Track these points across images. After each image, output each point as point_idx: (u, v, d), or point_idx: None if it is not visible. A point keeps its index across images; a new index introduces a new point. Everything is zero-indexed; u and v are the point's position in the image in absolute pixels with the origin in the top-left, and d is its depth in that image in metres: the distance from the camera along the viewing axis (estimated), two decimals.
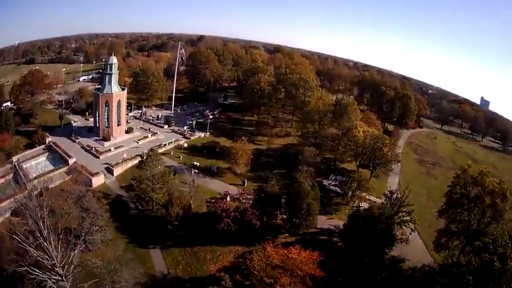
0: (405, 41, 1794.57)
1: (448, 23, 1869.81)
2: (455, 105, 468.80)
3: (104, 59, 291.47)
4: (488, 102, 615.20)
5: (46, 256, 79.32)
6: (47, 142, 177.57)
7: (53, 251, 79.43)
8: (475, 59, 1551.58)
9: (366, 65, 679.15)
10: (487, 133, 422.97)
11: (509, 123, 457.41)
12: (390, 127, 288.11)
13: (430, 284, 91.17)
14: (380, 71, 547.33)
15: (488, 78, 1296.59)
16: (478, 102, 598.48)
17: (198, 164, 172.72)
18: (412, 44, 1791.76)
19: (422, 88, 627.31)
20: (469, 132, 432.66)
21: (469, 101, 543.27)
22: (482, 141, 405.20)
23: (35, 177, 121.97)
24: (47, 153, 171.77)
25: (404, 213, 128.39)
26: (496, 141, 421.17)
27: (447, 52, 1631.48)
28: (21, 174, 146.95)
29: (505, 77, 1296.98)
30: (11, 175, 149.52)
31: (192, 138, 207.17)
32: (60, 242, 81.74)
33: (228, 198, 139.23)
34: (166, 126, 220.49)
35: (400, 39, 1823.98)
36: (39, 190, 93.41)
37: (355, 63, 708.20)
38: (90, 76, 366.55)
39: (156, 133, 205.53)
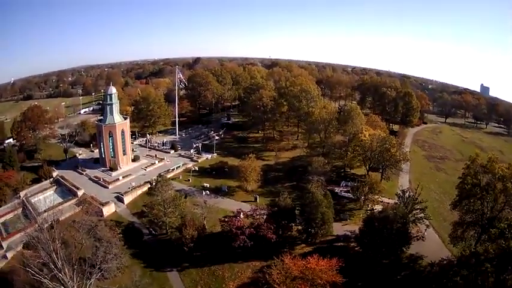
0: (401, 37, 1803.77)
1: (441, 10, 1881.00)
2: (456, 97, 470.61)
3: (102, 90, 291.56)
4: (488, 88, 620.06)
5: (62, 287, 78.79)
6: (54, 176, 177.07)
7: (68, 281, 79.01)
8: (471, 44, 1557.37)
9: (364, 69, 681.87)
10: (490, 119, 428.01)
11: (511, 106, 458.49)
12: (395, 127, 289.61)
13: (449, 278, 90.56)
14: (379, 73, 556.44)
15: (486, 63, 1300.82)
16: (478, 89, 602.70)
17: (208, 185, 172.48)
18: (408, 39, 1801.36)
19: (422, 84, 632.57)
20: (473, 121, 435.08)
21: (470, 90, 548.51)
22: (486, 128, 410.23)
23: (45, 211, 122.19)
24: (55, 187, 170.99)
25: (418, 211, 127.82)
26: (500, 125, 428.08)
27: (443, 39, 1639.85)
28: (30, 208, 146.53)
29: (503, 61, 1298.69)
30: (20, 210, 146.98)
31: (199, 160, 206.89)
32: (75, 272, 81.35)
33: (242, 216, 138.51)
34: (172, 151, 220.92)
35: (395, 36, 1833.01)
36: (49, 223, 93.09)
37: (354, 68, 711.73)
38: (91, 108, 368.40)
39: (163, 159, 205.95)
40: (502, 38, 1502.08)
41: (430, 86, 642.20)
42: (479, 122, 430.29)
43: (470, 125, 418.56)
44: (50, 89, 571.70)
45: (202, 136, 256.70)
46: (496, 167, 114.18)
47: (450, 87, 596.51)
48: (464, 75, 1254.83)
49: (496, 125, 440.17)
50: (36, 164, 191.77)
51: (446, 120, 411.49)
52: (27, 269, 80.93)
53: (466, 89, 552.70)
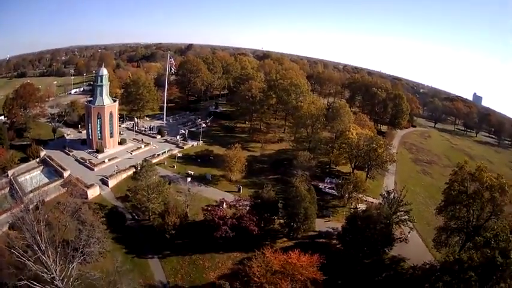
0: (395, 37, 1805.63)
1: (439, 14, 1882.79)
2: (447, 103, 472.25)
3: (94, 71, 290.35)
4: (481, 97, 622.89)
5: (45, 270, 79.31)
6: (41, 156, 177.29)
7: (51, 265, 79.39)
8: (468, 50, 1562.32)
9: (356, 67, 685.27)
10: (481, 128, 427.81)
11: (502, 117, 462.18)
12: (383, 128, 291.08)
13: (432, 283, 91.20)
14: (370, 73, 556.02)
15: (481, 72, 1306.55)
16: (470, 98, 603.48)
17: (192, 172, 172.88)
18: (403, 40, 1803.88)
19: (413, 87, 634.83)
20: (463, 128, 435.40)
21: (462, 97, 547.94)
22: (476, 136, 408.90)
23: (31, 191, 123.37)
24: (42, 167, 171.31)
25: (402, 213, 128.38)
26: (491, 135, 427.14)
27: (440, 42, 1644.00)
28: (16, 188, 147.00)
29: (498, 71, 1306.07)
30: (7, 189, 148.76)
31: (185, 147, 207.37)
32: (58, 255, 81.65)
33: (225, 206, 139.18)
34: (159, 137, 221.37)
35: (390, 36, 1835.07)
36: (35, 204, 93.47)
37: (345, 66, 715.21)
38: (82, 88, 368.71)
39: (149, 143, 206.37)
40: (500, 47, 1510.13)
41: (421, 90, 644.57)
42: (469, 130, 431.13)
43: (460, 132, 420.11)
44: (43, 68, 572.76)
45: (190, 123, 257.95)
46: (484, 176, 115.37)
47: (442, 93, 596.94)
48: (457, 83, 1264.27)
49: (487, 134, 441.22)
50: (25, 143, 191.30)
51: (436, 126, 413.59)
52: (12, 250, 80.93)
53: (458, 97, 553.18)
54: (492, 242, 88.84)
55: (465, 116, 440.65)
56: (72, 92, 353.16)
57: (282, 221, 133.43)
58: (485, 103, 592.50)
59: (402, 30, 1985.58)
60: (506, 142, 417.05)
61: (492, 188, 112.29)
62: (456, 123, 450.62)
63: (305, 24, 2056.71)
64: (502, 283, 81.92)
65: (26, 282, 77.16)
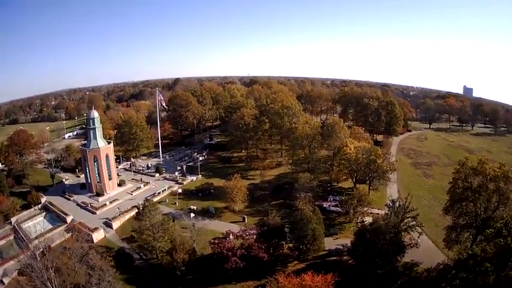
0: (376, 42, 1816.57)
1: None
2: (439, 101, 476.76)
3: (85, 114, 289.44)
4: (471, 89, 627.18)
5: None
6: (42, 202, 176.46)
7: None
8: (453, 42, 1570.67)
9: (343, 81, 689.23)
10: (476, 120, 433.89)
11: (496, 104, 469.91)
12: (379, 137, 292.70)
13: (448, 281, 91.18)
14: (358, 84, 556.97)
15: (468, 64, 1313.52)
16: (461, 91, 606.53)
17: (195, 207, 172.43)
18: (383, 42, 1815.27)
19: (403, 91, 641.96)
20: (458, 124, 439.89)
21: (453, 93, 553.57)
22: (472, 129, 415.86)
23: (36, 237, 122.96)
24: (44, 213, 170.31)
25: (409, 219, 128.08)
26: (487, 125, 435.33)
27: (422, 36, 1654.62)
28: (21, 234, 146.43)
29: (484, 60, 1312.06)
30: (12, 236, 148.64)
31: (184, 183, 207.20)
32: None
33: (231, 237, 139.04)
34: (157, 175, 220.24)
35: (371, 41, 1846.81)
36: (41, 250, 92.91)
37: (333, 81, 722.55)
38: (75, 132, 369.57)
39: (149, 182, 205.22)
40: (483, 37, 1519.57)
41: (411, 93, 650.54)
42: (464, 125, 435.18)
43: (456, 128, 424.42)
44: (35, 113, 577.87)
45: (186, 158, 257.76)
46: (487, 168, 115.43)
47: (432, 92, 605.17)
48: (446, 79, 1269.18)
49: (482, 125, 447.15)
50: (25, 190, 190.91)
51: (431, 126, 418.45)
52: None
53: (448, 93, 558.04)
54: (504, 231, 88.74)
55: (458, 111, 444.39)
56: (66, 136, 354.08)
57: (290, 245, 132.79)
58: (476, 94, 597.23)
59: (382, 30, 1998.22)
60: (503, 129, 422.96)
61: (496, 179, 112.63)
62: (450, 119, 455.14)
63: (287, 40, 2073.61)
64: None
65: None
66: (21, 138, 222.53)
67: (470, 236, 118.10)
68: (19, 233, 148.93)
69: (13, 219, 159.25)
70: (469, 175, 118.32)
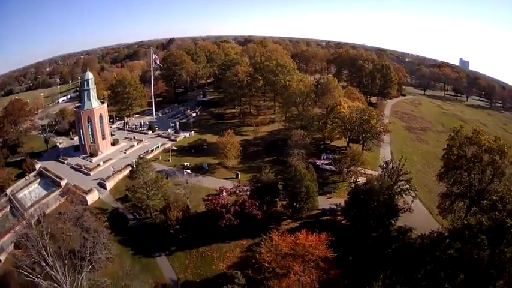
0: (376, 11, 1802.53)
1: None
2: (435, 70, 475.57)
3: (79, 77, 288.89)
4: (468, 62, 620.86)
5: (55, 285, 78.39)
6: (37, 168, 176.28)
7: (61, 278, 78.52)
8: (450, 18, 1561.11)
9: (338, 43, 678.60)
10: (471, 92, 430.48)
11: (492, 80, 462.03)
12: (373, 99, 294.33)
13: (442, 250, 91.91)
14: (354, 47, 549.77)
15: (465, 37, 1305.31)
16: (457, 63, 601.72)
17: (188, 164, 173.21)
18: (383, 13, 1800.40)
19: (399, 57, 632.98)
20: (453, 94, 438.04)
21: (448, 63, 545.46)
22: (467, 101, 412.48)
23: (31, 206, 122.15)
24: (39, 180, 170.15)
25: (403, 182, 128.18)
26: (482, 99, 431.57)
27: (420, 11, 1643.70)
28: (16, 205, 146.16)
29: (482, 34, 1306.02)
30: (7, 208, 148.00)
31: (178, 139, 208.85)
32: (66, 268, 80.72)
33: (225, 193, 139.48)
34: (150, 132, 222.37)
35: (371, 11, 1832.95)
36: (36, 218, 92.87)
37: (328, 43, 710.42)
38: (69, 96, 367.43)
39: (142, 140, 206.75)
40: (481, 10, 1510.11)
41: (407, 59, 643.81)
42: (459, 95, 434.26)
43: (451, 98, 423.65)
44: (29, 82, 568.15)
45: (179, 115, 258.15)
46: (482, 139, 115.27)
47: (428, 61, 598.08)
48: (442, 49, 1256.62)
49: (477, 98, 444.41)
50: (20, 159, 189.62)
51: (425, 93, 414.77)
52: (20, 270, 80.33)
53: (444, 63, 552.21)
54: (499, 205, 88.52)
55: (454, 81, 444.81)
56: (60, 100, 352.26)
57: (284, 202, 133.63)
58: (472, 67, 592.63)
59: (382, 3, 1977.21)
60: (498, 105, 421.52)
61: (491, 151, 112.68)
62: (445, 88, 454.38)
63: (284, 8, 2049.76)
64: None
65: None
66: (16, 108, 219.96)
67: (465, 206, 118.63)
68: (14, 204, 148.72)
69: (8, 190, 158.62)
70: (464, 144, 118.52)
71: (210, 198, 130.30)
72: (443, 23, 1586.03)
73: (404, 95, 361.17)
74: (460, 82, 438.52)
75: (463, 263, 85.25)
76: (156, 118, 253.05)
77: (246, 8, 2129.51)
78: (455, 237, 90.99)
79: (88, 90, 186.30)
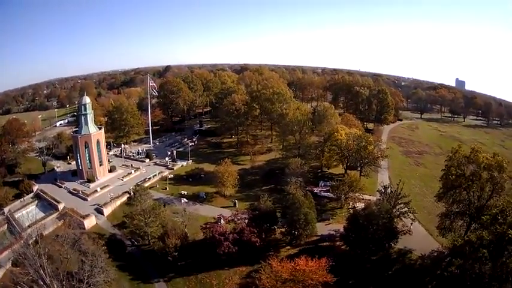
0: (366, 28, 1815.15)
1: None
2: (431, 92, 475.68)
3: (76, 102, 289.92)
4: (464, 82, 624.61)
5: None
6: (34, 190, 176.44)
7: None
8: (445, 30, 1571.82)
9: (334, 69, 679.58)
10: (468, 112, 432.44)
11: (488, 98, 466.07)
12: (370, 125, 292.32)
13: (443, 268, 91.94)
14: (350, 73, 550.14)
15: (460, 56, 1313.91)
16: (453, 84, 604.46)
17: (185, 192, 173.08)
18: (374, 29, 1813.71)
19: (395, 82, 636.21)
20: (450, 115, 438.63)
21: (445, 85, 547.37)
22: (464, 121, 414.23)
23: (28, 226, 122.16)
24: (36, 201, 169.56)
25: (402, 205, 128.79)
26: (479, 118, 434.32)
27: (415, 21, 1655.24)
28: (14, 224, 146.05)
29: (477, 54, 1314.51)
30: (5, 226, 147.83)
31: (175, 168, 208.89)
32: None
33: (223, 221, 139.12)
34: (148, 160, 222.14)
35: (362, 25, 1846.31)
36: (34, 238, 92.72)
37: (323, 69, 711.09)
38: (66, 120, 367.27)
39: (139, 168, 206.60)
40: (476, 29, 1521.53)
41: (403, 83, 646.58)
42: (456, 116, 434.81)
43: (447, 119, 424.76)
44: (27, 103, 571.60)
45: (176, 144, 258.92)
46: (480, 157, 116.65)
47: (424, 84, 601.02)
48: (438, 71, 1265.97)
49: (475, 117, 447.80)
50: (17, 179, 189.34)
51: (422, 116, 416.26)
52: (18, 286, 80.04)
53: (441, 84, 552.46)
54: (499, 218, 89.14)
55: (450, 102, 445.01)
56: (57, 124, 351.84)
57: (282, 229, 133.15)
58: (468, 87, 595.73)
59: (373, 15, 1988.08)
60: (495, 122, 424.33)
61: (490, 167, 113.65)
62: (442, 110, 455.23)
63: (277, 26, 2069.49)
64: None
65: None
66: (14, 127, 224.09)
67: (464, 224, 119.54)
68: (12, 223, 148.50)
69: (6, 209, 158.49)
70: (462, 163, 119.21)
71: (208, 226, 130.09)
72: (438, 40, 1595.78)
73: (401, 120, 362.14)
74: (457, 103, 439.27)
75: (465, 279, 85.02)
76: (153, 146, 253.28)
77: (241, 35, 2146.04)
78: (456, 254, 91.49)
79: (86, 115, 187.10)
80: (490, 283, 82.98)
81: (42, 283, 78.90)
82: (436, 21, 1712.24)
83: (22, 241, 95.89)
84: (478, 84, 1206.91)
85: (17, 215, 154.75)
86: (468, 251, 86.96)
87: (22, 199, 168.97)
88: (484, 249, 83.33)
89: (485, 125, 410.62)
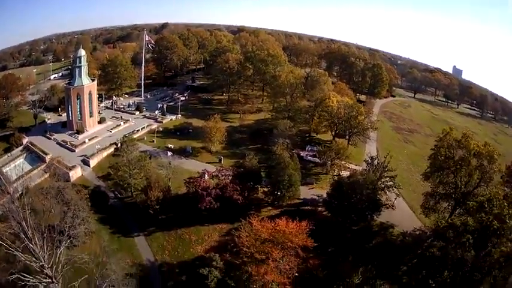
0: (370, 9, 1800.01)
1: None
2: (427, 74, 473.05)
3: (72, 56, 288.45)
4: (461, 70, 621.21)
5: (33, 258, 78.99)
6: (24, 143, 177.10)
7: (39, 252, 79.02)
8: (446, 23, 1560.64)
9: (331, 40, 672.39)
10: (462, 100, 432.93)
11: (484, 90, 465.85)
12: (362, 97, 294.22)
13: (425, 249, 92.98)
14: (346, 45, 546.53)
15: (460, 45, 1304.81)
16: (450, 71, 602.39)
17: (172, 146, 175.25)
18: (377, 11, 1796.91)
19: (391, 59, 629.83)
20: (444, 99, 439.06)
21: (441, 70, 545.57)
22: (458, 108, 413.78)
23: (15, 180, 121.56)
24: (25, 154, 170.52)
25: (387, 178, 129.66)
26: (473, 108, 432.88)
27: (418, 14, 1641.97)
28: (2, 178, 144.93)
29: (477, 43, 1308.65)
30: None
31: (164, 121, 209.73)
32: (45, 241, 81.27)
33: (207, 176, 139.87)
34: (137, 113, 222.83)
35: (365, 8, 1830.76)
36: (20, 192, 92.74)
37: (320, 39, 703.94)
38: (60, 73, 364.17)
39: (129, 120, 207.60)
40: (478, 19, 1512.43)
41: (399, 62, 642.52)
42: (450, 102, 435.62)
43: (441, 103, 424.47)
44: (23, 58, 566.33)
45: (167, 98, 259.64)
46: (471, 143, 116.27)
47: (420, 65, 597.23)
48: (436, 55, 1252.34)
49: (469, 107, 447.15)
50: (8, 133, 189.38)
51: (415, 96, 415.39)
52: (0, 242, 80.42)
53: (437, 68, 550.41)
54: (486, 207, 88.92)
55: (446, 87, 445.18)
56: (52, 77, 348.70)
57: (265, 189, 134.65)
58: (465, 77, 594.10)
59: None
60: (489, 115, 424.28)
61: (480, 155, 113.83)
62: (436, 94, 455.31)
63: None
64: (499, 247, 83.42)
65: (17, 275, 76.84)
66: (9, 82, 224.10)
67: (449, 207, 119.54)
68: (0, 178, 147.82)
69: None
70: (452, 146, 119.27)
71: (191, 180, 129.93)
72: (439, 24, 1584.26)
73: (394, 96, 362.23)
74: (452, 89, 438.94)
75: (446, 262, 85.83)
76: (144, 99, 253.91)
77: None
78: (439, 236, 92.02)
79: (80, 67, 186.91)
80: (471, 272, 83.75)
81: (23, 236, 79.12)
82: (439, 13, 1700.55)
83: (8, 195, 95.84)
84: (475, 75, 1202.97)
85: (5, 170, 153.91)
86: (452, 234, 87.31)
87: (9, 153, 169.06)
88: (469, 235, 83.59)
89: (478, 115, 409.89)
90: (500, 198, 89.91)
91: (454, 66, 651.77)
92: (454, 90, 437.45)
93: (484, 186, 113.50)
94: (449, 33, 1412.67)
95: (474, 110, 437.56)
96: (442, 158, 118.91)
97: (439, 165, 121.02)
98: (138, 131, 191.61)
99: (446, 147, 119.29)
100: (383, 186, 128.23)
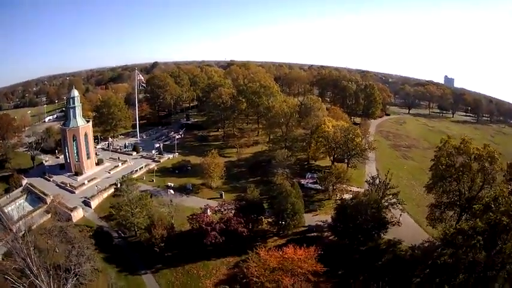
0: (352, 19, 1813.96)
1: None
2: (419, 88, 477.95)
3: (65, 97, 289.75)
4: (453, 79, 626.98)
5: None
6: (23, 184, 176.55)
7: None
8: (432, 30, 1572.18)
9: (321, 66, 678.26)
10: (457, 108, 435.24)
11: (478, 95, 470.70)
12: (357, 120, 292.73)
13: (435, 258, 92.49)
14: (337, 69, 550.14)
15: (449, 53, 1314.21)
16: (442, 81, 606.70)
17: (172, 184, 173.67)
18: (360, 21, 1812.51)
19: (382, 78, 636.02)
20: (438, 111, 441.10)
21: (433, 82, 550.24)
22: (453, 117, 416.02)
23: (18, 219, 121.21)
24: (25, 195, 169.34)
25: (390, 196, 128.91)
26: (468, 114, 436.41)
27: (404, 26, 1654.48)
28: (4, 218, 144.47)
29: (466, 51, 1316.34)
30: None
31: (161, 160, 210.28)
32: (52, 279, 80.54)
33: (209, 212, 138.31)
34: (134, 153, 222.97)
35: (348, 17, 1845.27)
36: (23, 231, 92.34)
37: (311, 66, 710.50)
38: (55, 115, 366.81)
39: (126, 161, 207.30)
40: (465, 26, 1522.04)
41: (390, 80, 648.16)
42: (445, 112, 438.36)
43: (436, 115, 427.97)
44: (17, 99, 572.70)
45: (163, 137, 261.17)
46: (470, 148, 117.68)
47: (412, 80, 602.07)
48: (426, 69, 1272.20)
49: (464, 113, 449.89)
50: (7, 174, 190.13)
51: (410, 111, 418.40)
52: (6, 276, 79.99)
53: (429, 81, 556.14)
54: (492, 206, 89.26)
55: (439, 98, 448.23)
56: (46, 119, 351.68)
57: (269, 219, 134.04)
58: (457, 84, 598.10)
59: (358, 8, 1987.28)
60: (485, 118, 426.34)
61: (481, 158, 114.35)
62: (430, 106, 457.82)
63: (265, 19, 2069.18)
64: (510, 242, 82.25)
65: None
66: (4, 122, 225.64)
67: (455, 215, 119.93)
68: (2, 217, 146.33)
69: None
70: (452, 154, 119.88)
71: (194, 216, 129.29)
72: (427, 36, 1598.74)
73: (389, 115, 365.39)
74: (446, 99, 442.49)
75: (458, 267, 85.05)
76: (140, 140, 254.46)
77: (228, 30, 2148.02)
78: (448, 243, 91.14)
79: (74, 107, 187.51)
80: (484, 271, 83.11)
81: (29, 273, 78.88)
82: (425, 11, 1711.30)
83: (12, 234, 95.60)
84: (467, 82, 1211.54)
85: (7, 209, 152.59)
86: (461, 239, 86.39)
87: (8, 195, 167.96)
88: (479, 236, 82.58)
89: (474, 121, 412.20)
90: (506, 195, 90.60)
91: (446, 76, 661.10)
92: (448, 99, 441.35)
93: (488, 188, 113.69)
94: (437, 42, 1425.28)
95: (469, 116, 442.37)
96: (443, 167, 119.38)
97: (441, 175, 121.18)
98: (136, 171, 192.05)
99: (446, 156, 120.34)
100: (387, 204, 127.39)
